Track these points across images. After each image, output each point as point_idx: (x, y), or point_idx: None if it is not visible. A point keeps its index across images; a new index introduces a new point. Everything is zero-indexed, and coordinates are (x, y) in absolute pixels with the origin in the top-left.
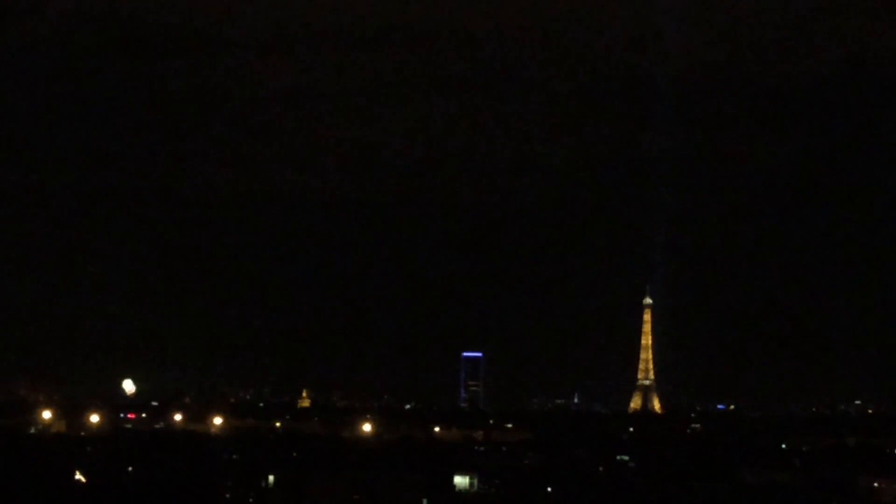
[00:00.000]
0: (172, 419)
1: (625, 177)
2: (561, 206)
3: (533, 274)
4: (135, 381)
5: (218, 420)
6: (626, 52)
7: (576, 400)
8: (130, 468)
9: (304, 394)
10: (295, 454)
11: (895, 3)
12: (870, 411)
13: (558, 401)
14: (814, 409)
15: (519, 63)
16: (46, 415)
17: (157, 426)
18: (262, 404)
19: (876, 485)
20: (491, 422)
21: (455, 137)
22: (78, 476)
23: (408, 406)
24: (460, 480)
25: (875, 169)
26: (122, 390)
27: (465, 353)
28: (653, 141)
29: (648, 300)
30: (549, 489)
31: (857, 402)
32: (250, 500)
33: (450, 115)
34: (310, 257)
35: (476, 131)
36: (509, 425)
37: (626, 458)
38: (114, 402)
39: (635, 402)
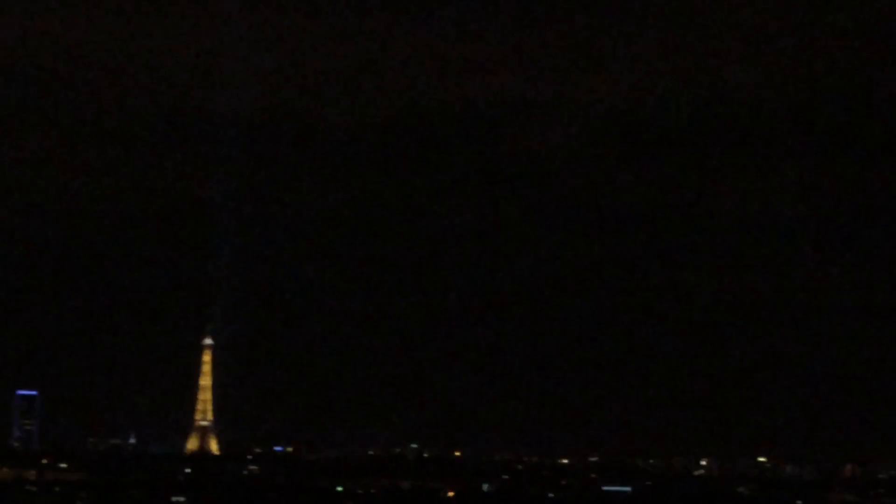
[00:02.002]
0: None
1: (184, 216)
2: (118, 243)
3: (87, 312)
4: None
5: None
6: (184, 91)
7: (132, 440)
8: None
9: None
10: None
11: (454, 55)
12: (425, 455)
13: (114, 441)
14: (370, 453)
15: (81, 98)
16: None
17: None
18: None
19: None
20: (44, 462)
21: (79, 178)
22: None
23: None
24: None
25: (434, 213)
26: None
27: (20, 391)
28: (214, 181)
29: (208, 340)
30: None
31: (414, 445)
32: None
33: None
34: None
35: (84, 172)
36: (64, 465)
37: (181, 499)
38: None
39: (193, 443)
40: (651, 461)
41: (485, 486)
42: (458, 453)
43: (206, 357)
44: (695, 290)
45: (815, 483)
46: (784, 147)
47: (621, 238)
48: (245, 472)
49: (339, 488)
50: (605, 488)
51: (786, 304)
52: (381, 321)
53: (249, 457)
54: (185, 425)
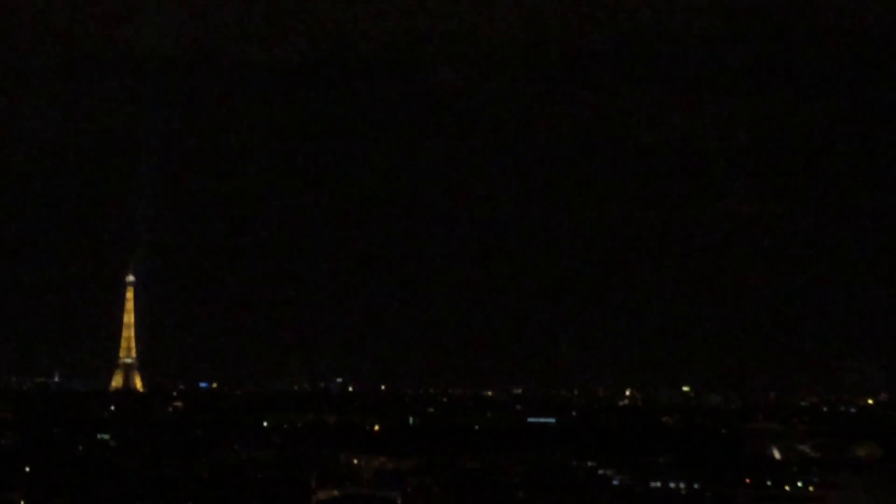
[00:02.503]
0: None
1: (107, 153)
2: (42, 180)
3: (10, 251)
4: None
5: None
6: (108, 28)
7: (56, 378)
8: None
9: None
10: None
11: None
12: (350, 389)
13: (38, 379)
14: (296, 388)
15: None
16: None
17: None
18: None
19: (355, 461)
20: None
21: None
22: None
23: None
24: None
25: (356, 148)
26: None
27: None
28: (136, 117)
29: (131, 277)
30: (26, 469)
31: (339, 379)
32: None
33: None
34: None
35: (6, 109)
36: None
37: (106, 436)
38: None
39: (117, 381)
40: (575, 392)
41: (410, 420)
42: (383, 387)
43: (129, 294)
44: (618, 220)
45: (738, 412)
46: (703, 80)
47: (542, 169)
48: (170, 409)
49: (265, 423)
50: (530, 419)
51: (709, 234)
52: (304, 257)
53: (174, 393)
54: (110, 363)
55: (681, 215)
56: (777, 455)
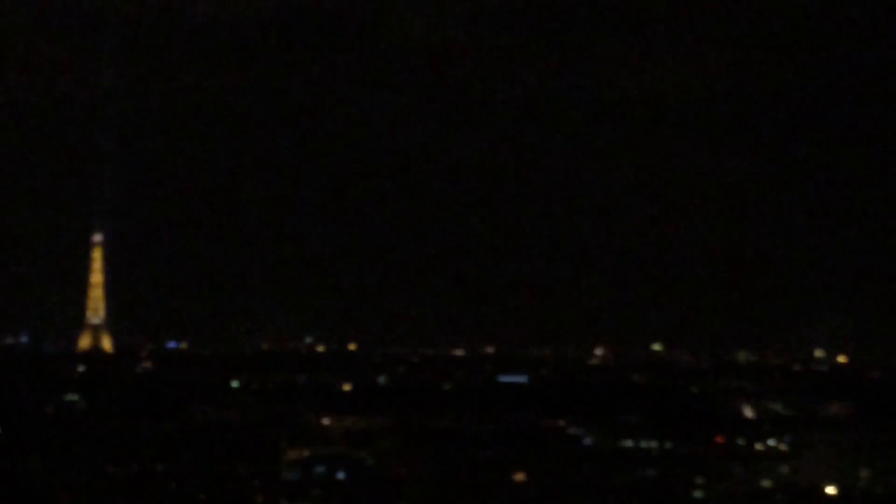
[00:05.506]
0: None
1: (69, 111)
2: (8, 143)
3: None
4: None
5: None
6: None
7: (25, 339)
8: None
9: None
10: None
11: None
12: (319, 349)
13: (8, 340)
14: (264, 347)
15: None
16: None
17: None
18: None
19: (325, 421)
20: None
21: None
22: None
23: None
24: None
25: (322, 108)
26: None
27: None
28: (98, 75)
29: (98, 237)
30: None
31: (308, 339)
32: None
33: None
34: None
35: None
36: None
37: (75, 397)
38: None
39: (85, 342)
40: (546, 351)
41: (380, 379)
42: (352, 347)
43: (97, 254)
44: (591, 177)
45: (709, 370)
46: (676, 31)
47: (517, 127)
48: (139, 370)
49: (235, 384)
50: (501, 379)
51: (678, 190)
52: (271, 213)
53: (143, 354)
54: (78, 323)
55: (653, 168)
56: (749, 413)
